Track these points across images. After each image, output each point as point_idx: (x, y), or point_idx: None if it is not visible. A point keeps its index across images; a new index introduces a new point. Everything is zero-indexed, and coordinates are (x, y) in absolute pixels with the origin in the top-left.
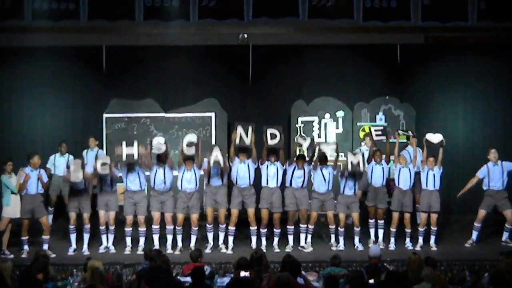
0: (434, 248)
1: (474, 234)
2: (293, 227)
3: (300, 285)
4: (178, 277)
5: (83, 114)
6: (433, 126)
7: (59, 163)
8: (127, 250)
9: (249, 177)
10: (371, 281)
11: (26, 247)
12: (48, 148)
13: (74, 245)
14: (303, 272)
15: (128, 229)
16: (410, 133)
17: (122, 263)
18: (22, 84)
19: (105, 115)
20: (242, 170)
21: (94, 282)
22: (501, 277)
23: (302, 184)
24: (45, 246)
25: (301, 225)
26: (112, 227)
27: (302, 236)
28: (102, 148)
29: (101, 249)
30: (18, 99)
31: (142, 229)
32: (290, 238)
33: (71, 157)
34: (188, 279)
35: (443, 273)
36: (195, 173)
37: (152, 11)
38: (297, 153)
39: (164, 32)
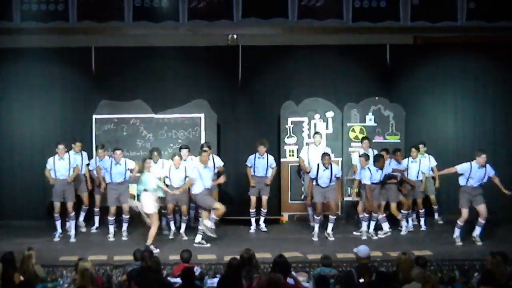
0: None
1: (457, 232)
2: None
3: (290, 286)
4: (168, 278)
5: (72, 115)
6: (422, 126)
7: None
8: (111, 236)
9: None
10: (362, 280)
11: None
12: (37, 149)
13: (59, 230)
14: (293, 273)
15: (111, 218)
16: None
17: (112, 264)
18: (11, 86)
19: (94, 116)
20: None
21: (84, 283)
22: (492, 277)
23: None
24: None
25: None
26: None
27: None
28: (92, 149)
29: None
30: (6, 100)
31: (126, 216)
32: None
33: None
34: (178, 280)
35: (433, 273)
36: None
37: (141, 12)
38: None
39: (154, 33)
